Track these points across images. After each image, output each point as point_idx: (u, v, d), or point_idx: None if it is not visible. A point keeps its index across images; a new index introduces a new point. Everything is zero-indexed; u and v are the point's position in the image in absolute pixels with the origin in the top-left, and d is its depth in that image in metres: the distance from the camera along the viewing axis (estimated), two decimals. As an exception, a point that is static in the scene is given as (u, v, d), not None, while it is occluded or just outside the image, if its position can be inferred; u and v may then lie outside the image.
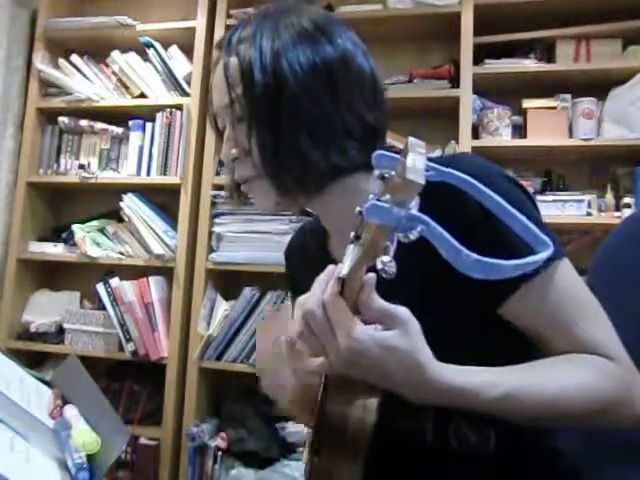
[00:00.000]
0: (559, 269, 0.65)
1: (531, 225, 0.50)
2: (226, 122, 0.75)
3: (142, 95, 2.32)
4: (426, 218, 0.44)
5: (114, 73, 2.37)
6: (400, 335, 0.53)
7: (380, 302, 0.53)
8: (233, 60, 0.71)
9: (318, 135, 0.69)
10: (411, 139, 0.45)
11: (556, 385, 0.60)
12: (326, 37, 0.72)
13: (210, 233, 2.14)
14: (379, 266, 0.46)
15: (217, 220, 2.14)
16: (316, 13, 0.75)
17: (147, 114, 2.29)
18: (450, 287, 0.63)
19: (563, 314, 0.64)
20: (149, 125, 2.30)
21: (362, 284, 0.51)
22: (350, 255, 0.49)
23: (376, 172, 0.47)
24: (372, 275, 0.51)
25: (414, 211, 0.44)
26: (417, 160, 0.43)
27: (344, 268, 0.50)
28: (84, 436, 0.79)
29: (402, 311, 0.53)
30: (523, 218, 0.51)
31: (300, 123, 0.69)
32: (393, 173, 0.45)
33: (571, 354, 0.63)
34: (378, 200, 0.44)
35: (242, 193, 0.82)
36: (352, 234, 0.49)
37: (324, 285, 0.54)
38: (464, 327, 0.66)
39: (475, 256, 0.44)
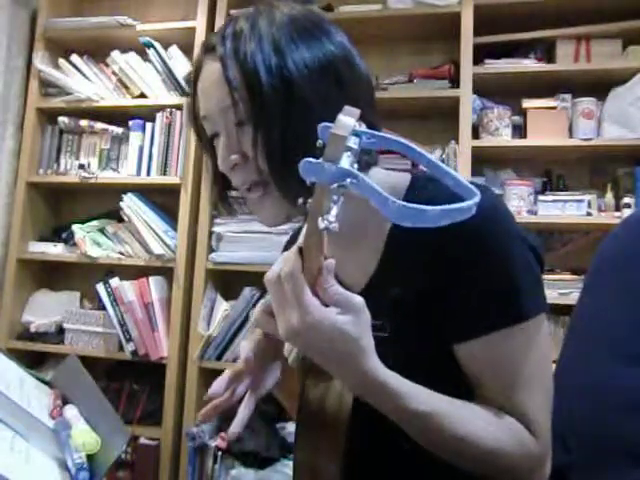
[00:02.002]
0: (531, 327, 0.65)
1: (461, 178, 0.51)
2: (219, 127, 0.71)
3: (142, 95, 2.32)
4: (355, 171, 0.46)
5: (114, 73, 2.37)
6: (353, 322, 0.54)
7: (337, 287, 0.54)
8: (230, 59, 0.67)
9: None
10: (347, 107, 0.49)
11: (473, 428, 0.61)
12: (325, 34, 0.69)
13: (210, 233, 2.14)
14: (322, 225, 0.47)
15: (217, 220, 2.14)
16: (308, 10, 0.72)
17: (147, 114, 2.29)
18: (419, 316, 0.66)
19: (512, 375, 0.64)
20: (149, 125, 2.30)
21: (321, 268, 0.52)
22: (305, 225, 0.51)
23: (319, 141, 0.48)
24: (331, 261, 0.53)
25: (344, 165, 0.46)
26: (345, 119, 0.47)
27: (300, 238, 0.52)
28: (84, 436, 0.79)
29: (357, 299, 0.54)
30: (454, 173, 0.52)
31: (310, 125, 0.65)
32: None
33: (500, 412, 0.64)
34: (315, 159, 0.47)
35: (230, 203, 0.80)
36: (300, 200, 0.50)
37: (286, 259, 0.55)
38: (418, 357, 0.66)
39: (400, 202, 0.45)
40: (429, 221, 0.46)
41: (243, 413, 0.71)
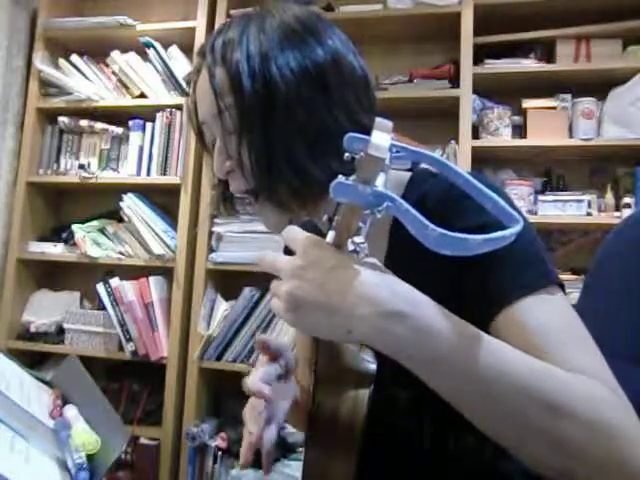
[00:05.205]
0: (553, 294, 0.60)
1: (502, 202, 0.48)
2: (216, 133, 0.71)
3: (142, 95, 2.32)
4: (392, 194, 0.44)
5: (114, 73, 2.37)
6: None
7: None
8: (219, 67, 0.67)
9: (315, 143, 0.65)
10: (379, 119, 0.45)
11: (551, 372, 0.51)
12: (315, 38, 0.68)
13: (210, 233, 2.14)
14: (350, 247, 0.46)
15: (217, 220, 2.14)
16: (302, 12, 0.71)
17: (147, 114, 2.29)
18: (448, 299, 0.59)
19: (554, 338, 0.57)
20: (149, 125, 2.30)
21: None
22: (328, 240, 0.49)
23: (346, 154, 0.46)
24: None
25: (380, 188, 0.43)
26: (380, 137, 0.44)
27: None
28: (84, 436, 0.79)
29: None
30: (493, 195, 0.49)
31: (294, 132, 0.65)
32: (362, 154, 0.45)
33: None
34: (346, 179, 0.44)
35: (230, 205, 0.79)
36: (325, 217, 0.48)
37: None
38: None
39: (440, 230, 0.43)
40: (470, 249, 0.44)
41: (267, 446, 0.70)
